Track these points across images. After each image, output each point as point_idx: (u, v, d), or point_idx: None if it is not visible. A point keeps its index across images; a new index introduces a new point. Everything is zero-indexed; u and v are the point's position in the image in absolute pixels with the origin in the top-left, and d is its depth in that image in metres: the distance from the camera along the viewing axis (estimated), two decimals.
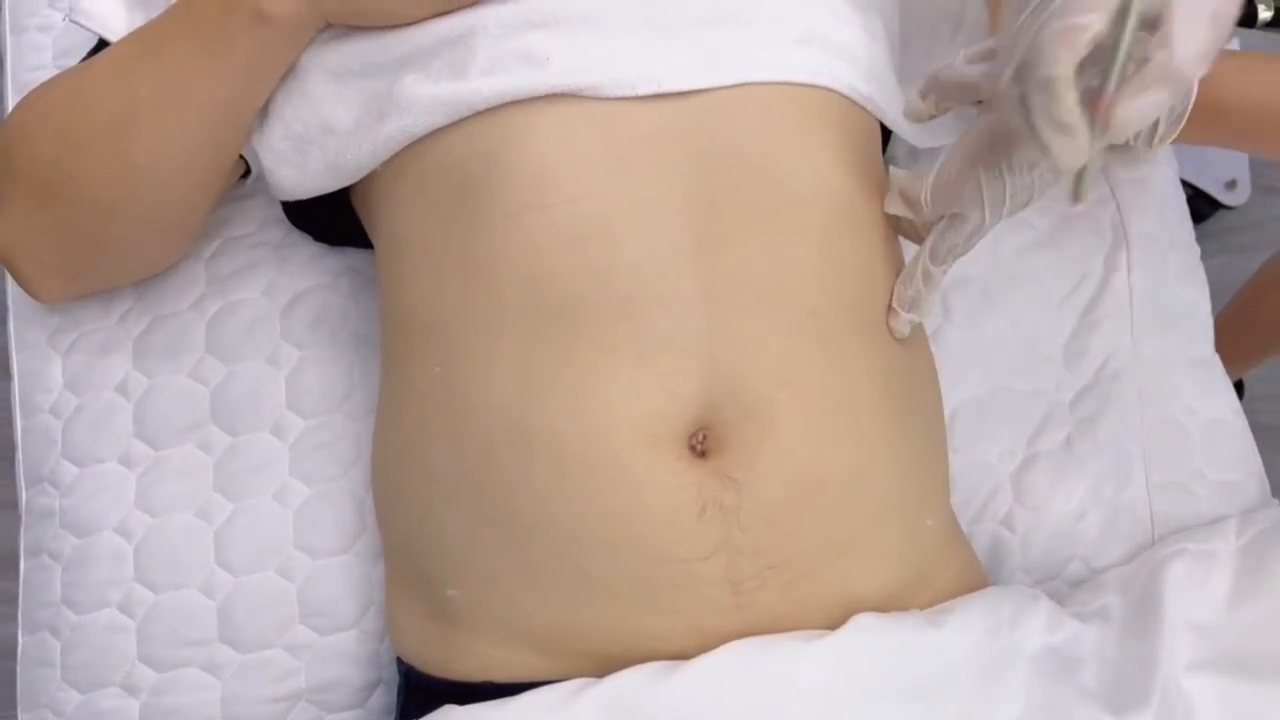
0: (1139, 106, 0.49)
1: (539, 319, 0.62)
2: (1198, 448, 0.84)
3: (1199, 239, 0.93)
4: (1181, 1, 0.48)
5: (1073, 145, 0.50)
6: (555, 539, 0.61)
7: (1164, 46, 0.48)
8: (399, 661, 0.71)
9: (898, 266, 0.72)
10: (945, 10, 0.83)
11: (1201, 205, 1.51)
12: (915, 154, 0.88)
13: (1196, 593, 0.69)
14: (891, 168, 0.67)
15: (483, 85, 0.65)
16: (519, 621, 0.63)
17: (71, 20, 0.76)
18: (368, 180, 0.72)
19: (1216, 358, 0.89)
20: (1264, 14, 1.24)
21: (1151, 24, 0.48)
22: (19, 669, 0.80)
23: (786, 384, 0.62)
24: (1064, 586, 0.81)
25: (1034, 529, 0.82)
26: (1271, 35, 1.22)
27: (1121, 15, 0.48)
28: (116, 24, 0.75)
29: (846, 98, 0.69)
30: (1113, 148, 0.90)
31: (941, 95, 0.61)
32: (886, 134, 0.80)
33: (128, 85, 0.69)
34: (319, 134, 0.71)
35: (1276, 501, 0.84)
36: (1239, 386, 1.41)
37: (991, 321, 0.87)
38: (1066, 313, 0.87)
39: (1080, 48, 0.48)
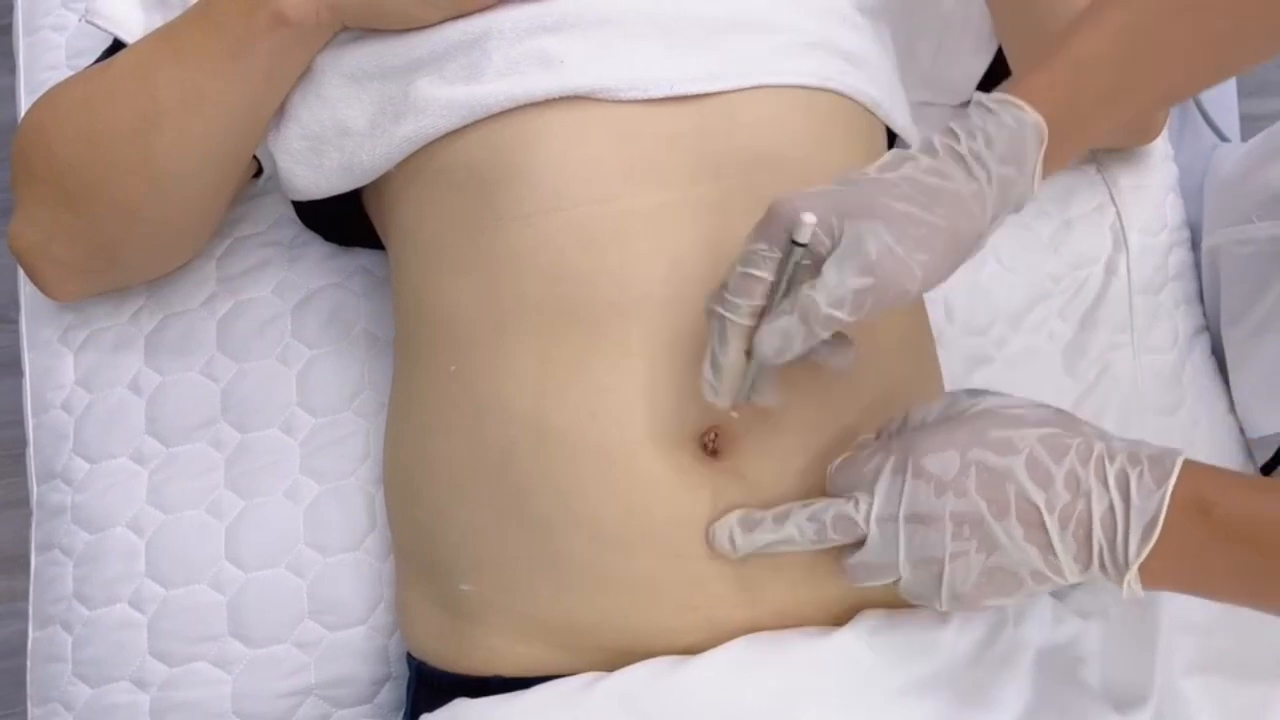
0: (774, 329, 0.54)
1: (555, 319, 0.63)
2: (1199, 452, 0.84)
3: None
4: (839, 253, 0.53)
5: (715, 387, 0.57)
6: (570, 535, 0.62)
7: (812, 286, 0.53)
8: (409, 657, 0.72)
9: None
10: (950, 18, 0.84)
11: None
12: None
13: None
14: None
15: (497, 88, 0.66)
16: (532, 616, 0.64)
17: (88, 21, 0.77)
18: (381, 181, 0.72)
19: (1214, 359, 0.90)
20: None
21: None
22: (29, 663, 0.80)
23: (795, 385, 0.63)
24: (1065, 587, 0.82)
25: None
26: None
27: (786, 259, 0.55)
28: (133, 25, 0.76)
29: (856, 102, 0.70)
30: (1110, 152, 0.92)
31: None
32: (891, 139, 0.81)
33: (148, 87, 0.69)
34: (335, 135, 0.72)
35: None
36: None
37: (993, 326, 0.88)
38: (1067, 317, 0.88)
39: (756, 296, 0.55)
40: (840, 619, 0.64)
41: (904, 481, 0.55)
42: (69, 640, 0.79)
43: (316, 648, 0.78)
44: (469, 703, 0.63)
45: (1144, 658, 0.65)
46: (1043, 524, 0.54)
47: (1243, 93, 1.03)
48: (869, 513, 0.56)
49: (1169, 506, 0.52)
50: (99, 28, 0.77)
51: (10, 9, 0.93)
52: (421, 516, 0.69)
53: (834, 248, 0.54)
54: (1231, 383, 0.89)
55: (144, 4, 0.76)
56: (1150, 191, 0.92)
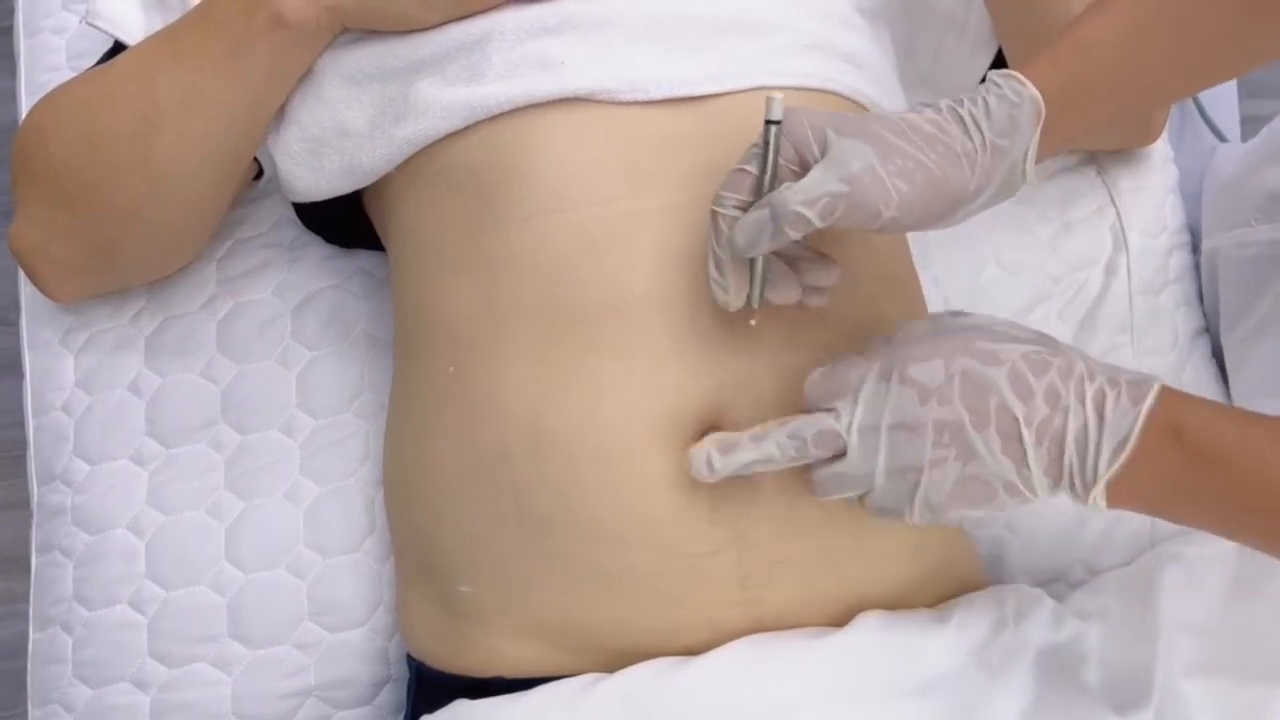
0: (746, 220, 0.56)
1: (554, 321, 0.63)
2: None
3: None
4: (825, 161, 0.55)
5: (722, 285, 0.58)
6: (569, 535, 0.62)
7: (791, 187, 0.55)
8: (409, 658, 0.72)
9: (905, 269, 0.73)
10: (950, 19, 0.84)
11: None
12: None
13: (1193, 595, 0.70)
14: None
15: (497, 90, 0.66)
16: (531, 616, 0.64)
17: (88, 23, 0.77)
18: (382, 182, 0.72)
19: (1214, 361, 0.90)
20: None
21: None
22: (29, 665, 0.80)
23: (795, 386, 0.63)
24: (1064, 588, 0.82)
25: (1036, 532, 0.83)
26: None
27: (766, 148, 0.56)
28: (133, 27, 0.76)
29: (856, 103, 0.70)
30: (1111, 154, 0.92)
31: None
32: None
33: (148, 89, 0.70)
34: (335, 137, 0.72)
35: None
36: None
37: None
38: (1067, 318, 0.88)
39: (743, 191, 0.57)
40: (840, 620, 0.64)
41: (888, 389, 0.56)
42: (69, 641, 0.79)
43: (316, 649, 0.78)
44: (469, 704, 0.64)
45: (1144, 658, 0.65)
46: (1020, 437, 0.54)
47: (1243, 93, 1.03)
48: (850, 422, 0.56)
49: (1142, 428, 0.54)
50: (99, 29, 0.77)
51: (11, 11, 0.93)
52: (420, 517, 0.69)
53: (823, 159, 0.55)
54: (1231, 386, 0.89)
55: (144, 6, 0.76)
56: (1150, 193, 0.92)
